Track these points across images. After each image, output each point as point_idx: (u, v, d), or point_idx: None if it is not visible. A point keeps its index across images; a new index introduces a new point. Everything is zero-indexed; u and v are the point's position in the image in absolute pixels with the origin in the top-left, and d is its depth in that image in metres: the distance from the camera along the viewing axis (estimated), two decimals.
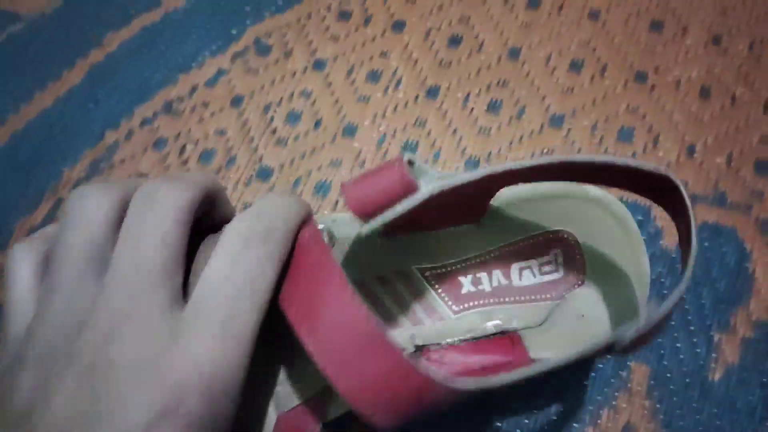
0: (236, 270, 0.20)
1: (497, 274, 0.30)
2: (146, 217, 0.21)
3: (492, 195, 0.29)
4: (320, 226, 0.25)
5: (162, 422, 0.18)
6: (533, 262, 0.31)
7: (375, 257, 0.30)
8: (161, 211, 0.21)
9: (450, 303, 0.30)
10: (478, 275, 0.30)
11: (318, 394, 0.27)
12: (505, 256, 0.30)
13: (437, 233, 0.30)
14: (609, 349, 0.23)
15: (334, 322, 0.21)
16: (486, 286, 0.30)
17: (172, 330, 0.19)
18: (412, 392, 0.21)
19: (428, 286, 0.30)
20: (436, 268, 0.30)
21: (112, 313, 0.19)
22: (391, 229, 0.29)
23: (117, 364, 0.19)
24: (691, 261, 0.23)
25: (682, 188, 0.24)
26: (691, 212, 0.24)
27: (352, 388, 0.21)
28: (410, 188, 0.24)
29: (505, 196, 0.30)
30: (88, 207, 0.21)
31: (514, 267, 0.31)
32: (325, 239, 0.23)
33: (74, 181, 0.40)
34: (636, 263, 0.30)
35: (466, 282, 0.30)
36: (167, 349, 0.19)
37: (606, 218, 0.31)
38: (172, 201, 0.21)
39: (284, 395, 0.27)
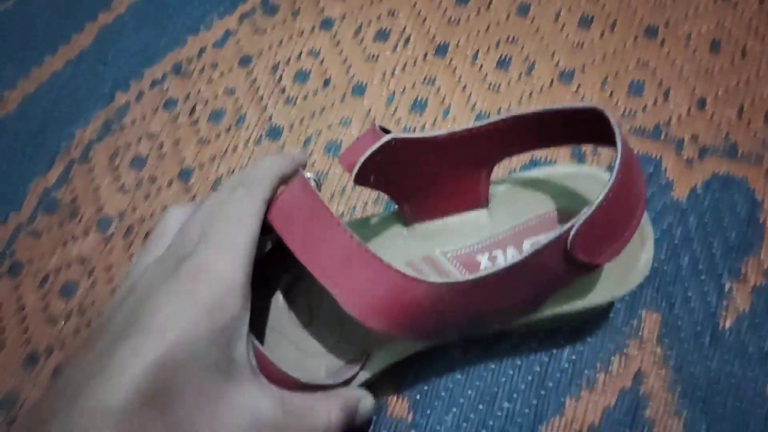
0: (226, 206, 0.26)
1: (511, 250, 0.32)
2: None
3: (479, 174, 0.32)
4: (308, 175, 0.29)
5: (185, 304, 0.23)
6: (543, 237, 0.32)
7: (402, 247, 0.33)
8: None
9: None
10: (493, 253, 0.32)
11: (356, 357, 0.30)
12: (517, 235, 0.32)
13: (454, 221, 0.33)
14: (564, 243, 0.25)
15: (327, 246, 0.25)
16: (501, 261, 0.32)
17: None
18: (393, 290, 0.25)
19: (451, 267, 0.32)
20: (456, 251, 0.32)
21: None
22: (410, 217, 0.32)
23: (154, 288, 0.24)
24: (617, 167, 0.25)
25: (607, 112, 0.27)
26: (616, 128, 0.26)
27: (345, 295, 0.25)
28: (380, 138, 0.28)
29: (509, 181, 0.33)
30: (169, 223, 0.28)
31: (526, 243, 0.32)
32: (312, 185, 0.27)
33: (86, 143, 0.41)
34: (642, 240, 0.31)
35: (483, 260, 0.32)
36: (182, 265, 0.24)
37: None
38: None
39: (332, 360, 0.30)
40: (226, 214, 0.25)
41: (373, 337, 0.30)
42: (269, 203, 0.27)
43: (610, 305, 0.34)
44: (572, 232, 0.25)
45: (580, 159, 0.38)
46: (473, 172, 0.32)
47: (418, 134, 0.29)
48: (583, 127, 0.28)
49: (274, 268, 0.32)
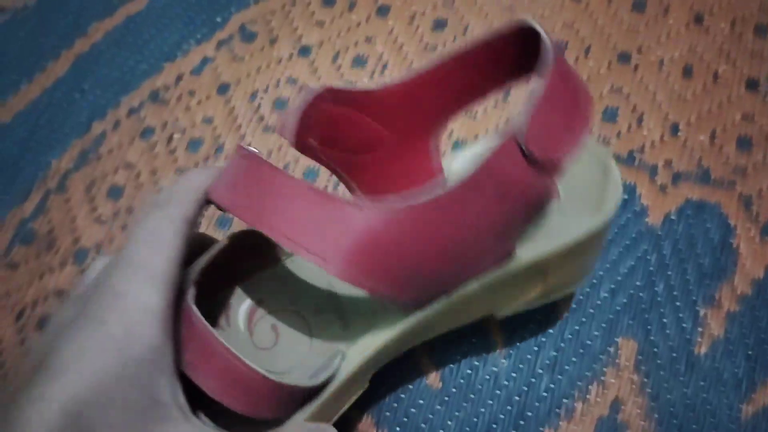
0: (140, 227, 0.24)
1: None
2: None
3: (426, 142, 0.30)
4: (251, 149, 0.26)
5: (92, 344, 0.21)
6: None
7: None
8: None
9: None
10: None
11: (330, 359, 0.28)
12: None
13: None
14: (514, 139, 0.24)
15: (288, 208, 0.23)
16: None
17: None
18: (367, 231, 0.23)
19: None
20: None
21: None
22: (358, 193, 0.31)
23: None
24: (549, 53, 0.25)
25: (535, 25, 0.25)
26: (540, 30, 0.25)
27: (322, 256, 0.23)
28: None
29: (461, 156, 0.33)
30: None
31: None
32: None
33: (63, 172, 0.40)
34: (604, 169, 0.31)
35: None
36: (94, 292, 0.22)
37: None
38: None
39: (304, 369, 0.28)
40: (140, 235, 0.23)
41: (344, 340, 0.29)
42: (195, 215, 0.25)
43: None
44: (521, 125, 0.24)
45: None
46: (418, 139, 0.31)
47: (351, 87, 0.28)
48: (517, 54, 0.27)
49: (230, 299, 0.31)
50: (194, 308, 0.24)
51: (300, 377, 0.28)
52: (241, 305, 0.31)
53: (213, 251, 0.27)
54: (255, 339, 0.30)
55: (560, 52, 0.26)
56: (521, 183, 0.25)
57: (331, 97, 0.27)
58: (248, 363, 0.24)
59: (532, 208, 0.26)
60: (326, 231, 0.23)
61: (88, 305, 0.21)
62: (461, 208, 0.24)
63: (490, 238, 0.26)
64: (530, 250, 0.28)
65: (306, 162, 0.40)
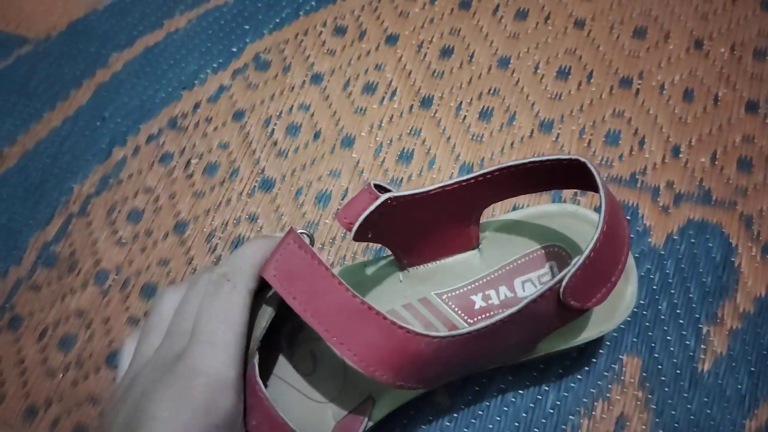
0: (213, 303, 0.27)
1: (503, 289, 0.34)
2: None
3: (469, 220, 0.33)
4: (299, 231, 0.29)
5: (180, 408, 0.24)
6: (532, 275, 0.34)
7: (400, 290, 0.34)
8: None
9: (465, 317, 0.33)
10: (487, 292, 0.34)
11: (362, 403, 0.31)
12: (508, 274, 0.34)
13: (447, 263, 0.35)
14: (556, 293, 0.27)
15: (329, 304, 0.26)
16: (495, 300, 0.34)
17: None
18: (397, 345, 0.26)
19: (446, 307, 0.34)
20: (451, 292, 0.34)
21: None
22: (406, 263, 0.34)
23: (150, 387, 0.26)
24: (602, 220, 0.27)
25: (589, 165, 0.28)
26: (599, 181, 0.28)
27: (351, 352, 0.26)
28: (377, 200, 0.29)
29: (496, 223, 0.35)
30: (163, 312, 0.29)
31: (517, 281, 0.34)
32: (307, 241, 0.28)
33: (84, 197, 0.42)
34: (625, 277, 0.33)
35: (477, 299, 0.34)
36: (176, 366, 0.26)
37: (585, 227, 0.34)
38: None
39: (338, 406, 0.31)
40: (214, 312, 0.27)
41: (377, 383, 0.31)
42: (258, 283, 0.29)
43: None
44: (564, 282, 0.26)
45: (559, 199, 0.39)
46: (464, 218, 0.33)
47: (412, 191, 0.30)
48: (566, 176, 0.30)
49: (275, 318, 0.33)
50: (260, 382, 0.27)
51: (329, 413, 0.31)
52: (286, 324, 0.33)
53: (267, 316, 0.30)
54: (294, 361, 0.32)
55: (612, 200, 0.28)
56: (554, 319, 0.28)
57: (395, 202, 0.29)
58: None
59: (557, 329, 0.30)
60: (380, 347, 0.26)
61: (174, 375, 0.25)
62: (498, 335, 0.27)
63: (515, 348, 0.30)
64: (546, 345, 0.31)
65: (318, 186, 0.41)
